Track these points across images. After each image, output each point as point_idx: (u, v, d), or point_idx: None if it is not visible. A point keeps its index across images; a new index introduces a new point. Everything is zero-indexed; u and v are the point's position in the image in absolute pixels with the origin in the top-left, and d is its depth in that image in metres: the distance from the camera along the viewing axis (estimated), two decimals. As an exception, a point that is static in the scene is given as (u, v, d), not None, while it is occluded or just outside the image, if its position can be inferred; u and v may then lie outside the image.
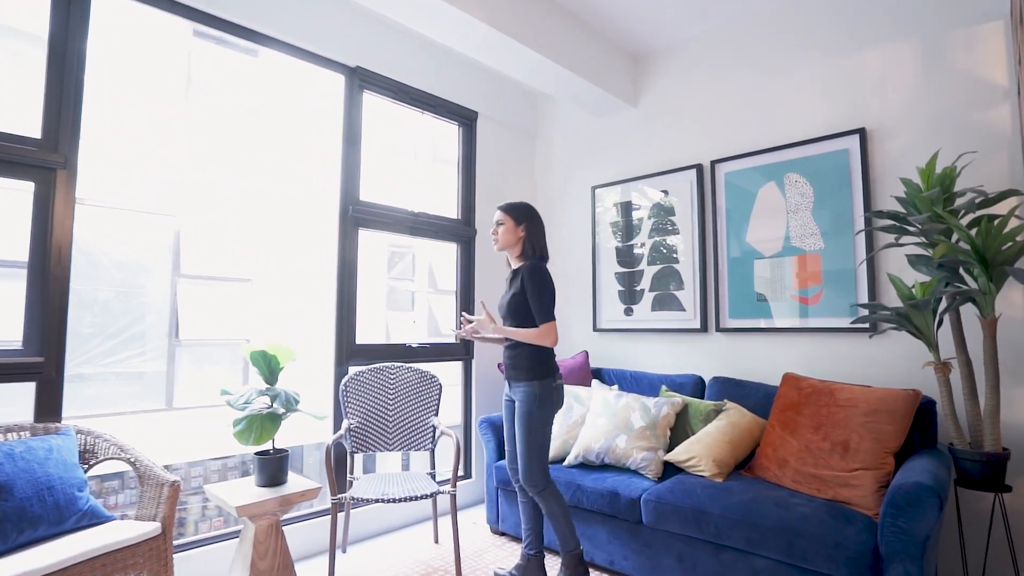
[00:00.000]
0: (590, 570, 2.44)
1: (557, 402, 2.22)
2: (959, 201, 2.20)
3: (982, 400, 2.08)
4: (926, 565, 1.74)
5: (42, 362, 2.02)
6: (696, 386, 2.85)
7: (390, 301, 7.51)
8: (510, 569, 2.35)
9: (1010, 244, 1.89)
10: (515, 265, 2.31)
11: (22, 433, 1.87)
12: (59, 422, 2.05)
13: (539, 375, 2.18)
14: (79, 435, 2.00)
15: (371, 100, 3.11)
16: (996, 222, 1.91)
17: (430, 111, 3.38)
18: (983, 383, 2.14)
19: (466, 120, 3.58)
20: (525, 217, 2.27)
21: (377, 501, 2.23)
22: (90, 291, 5.07)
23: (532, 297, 2.16)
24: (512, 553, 2.68)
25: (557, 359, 3.38)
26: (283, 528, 2.29)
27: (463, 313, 2.16)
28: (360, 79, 3.00)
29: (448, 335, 3.58)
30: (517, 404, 2.21)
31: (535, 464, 2.16)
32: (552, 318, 2.17)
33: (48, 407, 2.04)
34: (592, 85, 3.13)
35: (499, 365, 3.23)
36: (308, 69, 2.89)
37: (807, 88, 2.79)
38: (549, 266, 3.83)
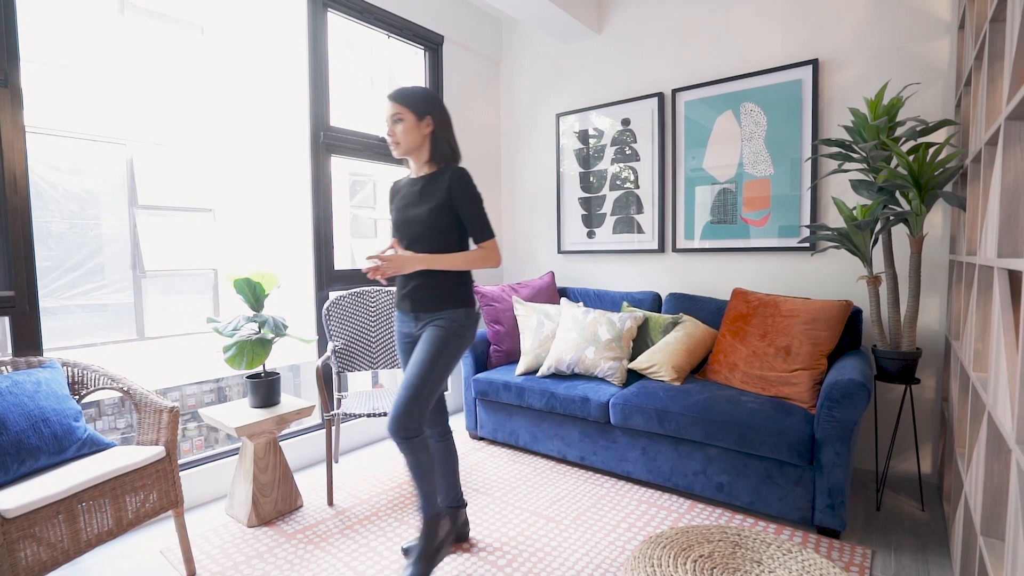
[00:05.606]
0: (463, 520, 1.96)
1: (472, 337, 1.74)
2: (900, 130, 2.24)
3: (903, 308, 2.24)
4: (851, 447, 1.93)
5: (12, 296, 1.84)
6: (654, 302, 2.93)
7: (353, 228, 7.22)
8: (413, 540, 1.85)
9: (942, 170, 1.96)
10: (424, 171, 1.74)
11: (4, 368, 1.72)
12: (41, 355, 1.89)
13: (466, 301, 1.72)
14: (65, 367, 1.86)
15: (333, 22, 2.80)
16: (932, 150, 1.97)
17: (396, 34, 3.09)
18: (905, 293, 2.28)
19: (432, 44, 3.30)
20: (428, 107, 1.67)
21: (369, 416, 2.23)
22: (42, 224, 4.60)
23: (468, 208, 1.65)
24: (490, 456, 2.78)
25: (526, 279, 3.34)
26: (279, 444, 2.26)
27: (373, 255, 1.62)
28: (322, -4, 2.67)
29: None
30: (431, 332, 1.66)
31: (420, 406, 1.58)
32: (494, 234, 1.70)
33: (27, 341, 1.88)
34: (557, 8, 2.92)
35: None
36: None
37: (768, 18, 2.70)
38: (520, 191, 3.75)
